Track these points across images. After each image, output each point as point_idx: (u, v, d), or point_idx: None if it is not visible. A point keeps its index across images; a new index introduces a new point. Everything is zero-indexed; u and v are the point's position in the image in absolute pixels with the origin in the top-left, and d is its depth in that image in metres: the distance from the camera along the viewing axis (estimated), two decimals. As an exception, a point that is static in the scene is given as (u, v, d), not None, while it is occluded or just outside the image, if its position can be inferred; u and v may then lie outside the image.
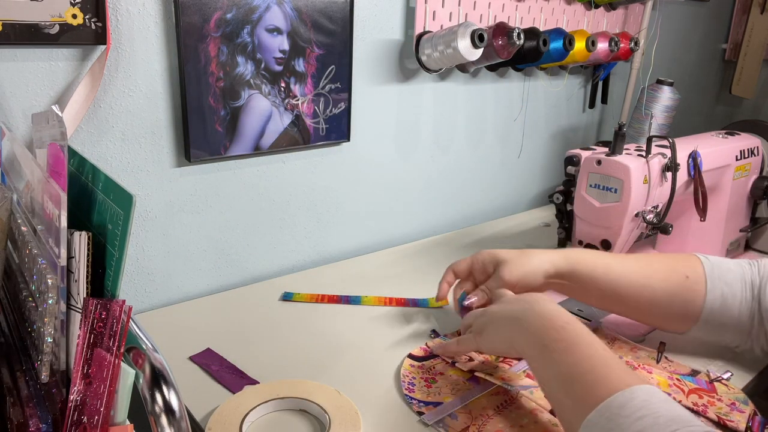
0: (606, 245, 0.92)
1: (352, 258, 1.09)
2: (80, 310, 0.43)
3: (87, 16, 0.72)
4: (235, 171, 0.93)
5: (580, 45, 1.16)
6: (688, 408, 0.67)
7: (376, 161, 1.11)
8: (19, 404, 0.47)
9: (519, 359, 0.75)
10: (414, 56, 1.04)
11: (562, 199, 1.03)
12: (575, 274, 0.76)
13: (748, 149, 1.07)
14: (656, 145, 0.94)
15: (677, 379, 0.72)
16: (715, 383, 0.72)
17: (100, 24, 0.73)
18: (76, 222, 0.51)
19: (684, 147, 0.95)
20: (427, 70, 1.06)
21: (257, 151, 0.92)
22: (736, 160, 1.04)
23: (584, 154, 0.95)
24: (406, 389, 0.69)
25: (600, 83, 1.45)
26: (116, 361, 0.41)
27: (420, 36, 1.03)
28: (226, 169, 0.92)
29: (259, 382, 0.70)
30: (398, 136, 1.12)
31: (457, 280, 0.83)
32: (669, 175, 0.91)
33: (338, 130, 1.00)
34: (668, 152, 0.91)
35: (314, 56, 0.93)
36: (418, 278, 1.00)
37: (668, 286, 0.75)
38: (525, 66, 1.22)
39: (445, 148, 1.21)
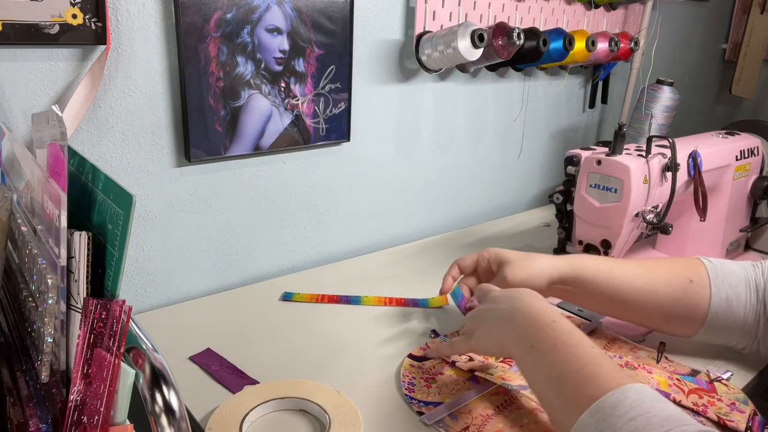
0: (606, 245, 0.92)
1: (352, 258, 1.09)
2: (80, 310, 0.43)
3: (87, 16, 0.72)
4: (235, 171, 0.93)
5: (580, 45, 1.16)
6: (689, 408, 0.67)
7: (376, 161, 1.11)
8: (19, 404, 0.47)
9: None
10: (414, 56, 1.04)
11: (562, 199, 1.03)
12: (579, 280, 0.76)
13: (748, 149, 1.07)
14: (656, 145, 0.94)
15: (677, 379, 0.72)
16: (715, 383, 0.72)
17: (100, 24, 0.73)
18: (76, 222, 0.51)
19: (684, 147, 0.95)
20: (427, 70, 1.06)
21: (257, 151, 0.92)
22: (736, 160, 1.04)
23: (584, 154, 0.95)
24: (406, 389, 0.69)
25: (600, 83, 1.45)
26: (116, 361, 0.41)
27: (420, 36, 1.03)
28: (226, 169, 0.92)
29: (259, 382, 0.70)
30: (398, 136, 1.12)
31: (462, 276, 0.83)
32: (669, 175, 0.91)
33: (338, 130, 1.00)
34: (668, 152, 0.91)
35: (314, 56, 0.93)
36: (418, 278, 1.00)
37: (673, 290, 0.74)
38: (525, 66, 1.22)
39: (445, 148, 1.21)
